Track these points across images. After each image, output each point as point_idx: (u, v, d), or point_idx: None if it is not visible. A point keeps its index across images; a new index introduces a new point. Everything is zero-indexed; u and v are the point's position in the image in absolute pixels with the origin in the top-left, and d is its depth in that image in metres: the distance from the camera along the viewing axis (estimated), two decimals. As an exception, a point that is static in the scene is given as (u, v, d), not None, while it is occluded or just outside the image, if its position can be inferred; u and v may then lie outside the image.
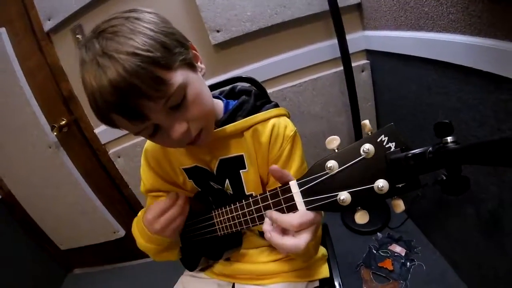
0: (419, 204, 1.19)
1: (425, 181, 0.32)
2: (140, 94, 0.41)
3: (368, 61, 1.27)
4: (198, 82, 0.50)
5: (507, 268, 0.83)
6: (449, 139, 0.29)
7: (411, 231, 1.29)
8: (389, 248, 1.24)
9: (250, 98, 0.62)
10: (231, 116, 0.60)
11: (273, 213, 0.42)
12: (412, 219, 1.32)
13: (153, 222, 0.56)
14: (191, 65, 0.49)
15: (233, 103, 0.63)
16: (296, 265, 0.68)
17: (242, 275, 0.71)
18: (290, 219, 0.40)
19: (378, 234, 1.32)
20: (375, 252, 1.24)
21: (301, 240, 0.40)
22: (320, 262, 0.72)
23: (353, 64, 1.20)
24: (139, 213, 0.69)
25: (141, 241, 0.60)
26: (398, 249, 1.21)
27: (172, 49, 0.45)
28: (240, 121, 0.58)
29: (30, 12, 1.22)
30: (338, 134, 1.48)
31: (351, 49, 1.18)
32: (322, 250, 0.74)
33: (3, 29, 1.25)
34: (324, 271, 0.71)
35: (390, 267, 1.15)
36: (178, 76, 0.44)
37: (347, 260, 1.27)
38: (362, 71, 1.28)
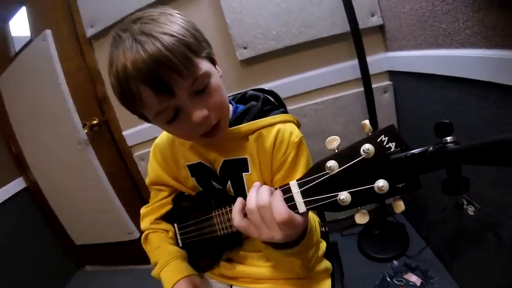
0: (438, 231, 1.12)
1: (424, 182, 0.31)
2: (173, 68, 0.44)
3: (390, 83, 1.26)
4: (218, 78, 0.54)
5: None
6: (449, 139, 0.29)
7: (429, 260, 1.21)
8: (404, 276, 1.16)
9: (258, 103, 0.63)
10: (238, 119, 0.61)
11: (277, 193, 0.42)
12: (431, 247, 1.24)
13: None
14: (213, 62, 0.54)
15: (241, 108, 0.64)
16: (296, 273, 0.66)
17: (241, 277, 0.70)
18: (285, 208, 0.40)
19: (394, 261, 1.25)
20: (389, 280, 1.17)
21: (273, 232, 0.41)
22: (323, 275, 0.69)
23: (375, 85, 1.21)
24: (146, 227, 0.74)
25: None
26: (413, 278, 1.14)
27: (200, 42, 0.50)
28: (245, 124, 0.59)
29: (75, 18, 1.35)
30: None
31: (374, 70, 1.19)
32: (326, 264, 0.71)
33: (49, 31, 1.39)
34: (325, 286, 0.68)
35: (404, 297, 1.08)
36: (204, 64, 0.49)
37: (358, 285, 1.21)
38: (385, 92, 1.27)
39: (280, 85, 1.31)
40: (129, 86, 0.46)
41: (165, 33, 0.45)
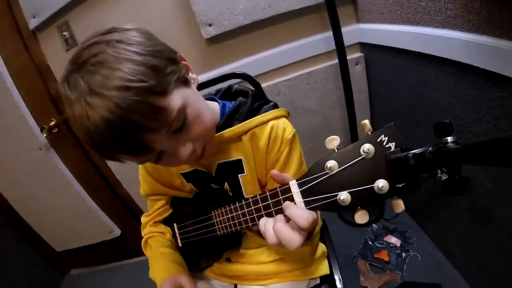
0: (413, 195, 1.20)
1: (424, 180, 0.32)
2: (141, 129, 0.39)
3: (362, 54, 1.26)
4: (195, 98, 0.47)
5: (501, 257, 0.85)
6: (449, 139, 0.29)
7: (405, 222, 1.31)
8: (384, 239, 1.26)
9: (247, 100, 0.60)
10: (227, 120, 0.58)
11: (291, 206, 0.39)
12: (406, 210, 1.33)
13: None
14: (185, 82, 0.46)
15: (229, 106, 0.61)
16: (304, 262, 0.68)
17: (243, 276, 0.71)
18: (307, 214, 0.38)
19: (373, 225, 1.34)
20: (371, 243, 1.26)
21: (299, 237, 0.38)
22: (320, 259, 0.73)
23: (347, 57, 1.20)
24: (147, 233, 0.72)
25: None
26: (393, 240, 1.24)
27: (164, 71, 0.41)
28: (237, 125, 0.57)
29: (15, 10, 1.18)
30: (333, 128, 1.47)
31: (345, 42, 1.17)
32: (322, 247, 0.74)
33: (-14, 29, 1.20)
34: (324, 268, 0.72)
35: (386, 258, 1.17)
36: (176, 99, 0.42)
37: (344, 252, 1.29)
38: (356, 64, 1.28)
39: (250, 62, 1.26)
40: (101, 152, 0.42)
41: (117, 88, 0.36)
